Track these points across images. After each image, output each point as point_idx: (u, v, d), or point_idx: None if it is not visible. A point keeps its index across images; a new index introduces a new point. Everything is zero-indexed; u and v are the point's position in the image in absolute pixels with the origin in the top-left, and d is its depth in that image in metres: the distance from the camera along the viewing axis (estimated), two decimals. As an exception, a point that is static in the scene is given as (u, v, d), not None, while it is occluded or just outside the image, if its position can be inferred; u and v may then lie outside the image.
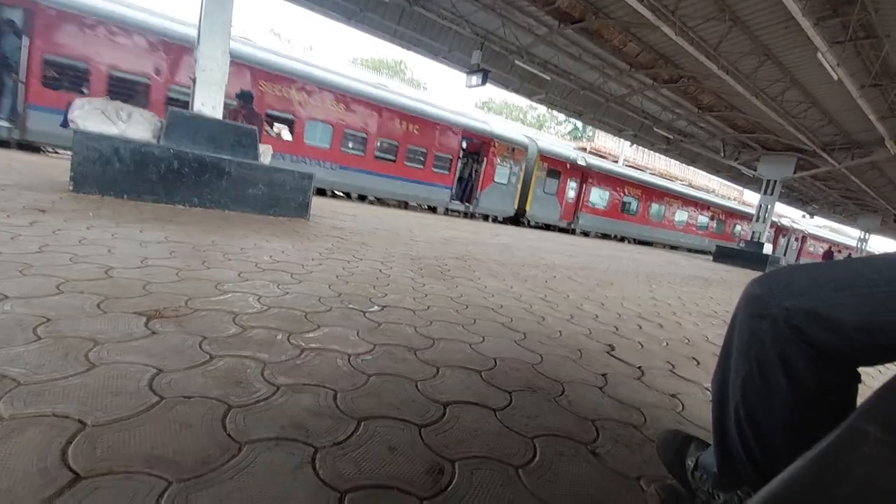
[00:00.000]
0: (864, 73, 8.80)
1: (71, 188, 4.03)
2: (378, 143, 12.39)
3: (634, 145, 22.34)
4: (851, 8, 6.85)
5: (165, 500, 0.76)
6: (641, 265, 8.24)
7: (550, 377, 1.69)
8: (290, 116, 11.02)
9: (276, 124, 11.12)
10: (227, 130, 5.03)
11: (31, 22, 8.04)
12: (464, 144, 14.38)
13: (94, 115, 4.25)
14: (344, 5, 10.25)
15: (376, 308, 2.17)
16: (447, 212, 14.70)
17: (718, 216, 24.61)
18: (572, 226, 17.58)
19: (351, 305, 2.13)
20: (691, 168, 23.06)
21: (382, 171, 12.63)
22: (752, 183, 22.09)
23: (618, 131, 17.05)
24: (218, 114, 5.14)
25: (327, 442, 1.01)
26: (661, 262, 10.31)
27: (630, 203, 19.64)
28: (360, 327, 1.84)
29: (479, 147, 14.74)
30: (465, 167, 15.26)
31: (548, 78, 13.04)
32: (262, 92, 10.27)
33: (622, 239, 19.88)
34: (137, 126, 4.49)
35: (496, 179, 14.85)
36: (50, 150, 9.30)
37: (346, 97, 11.68)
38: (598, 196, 18.25)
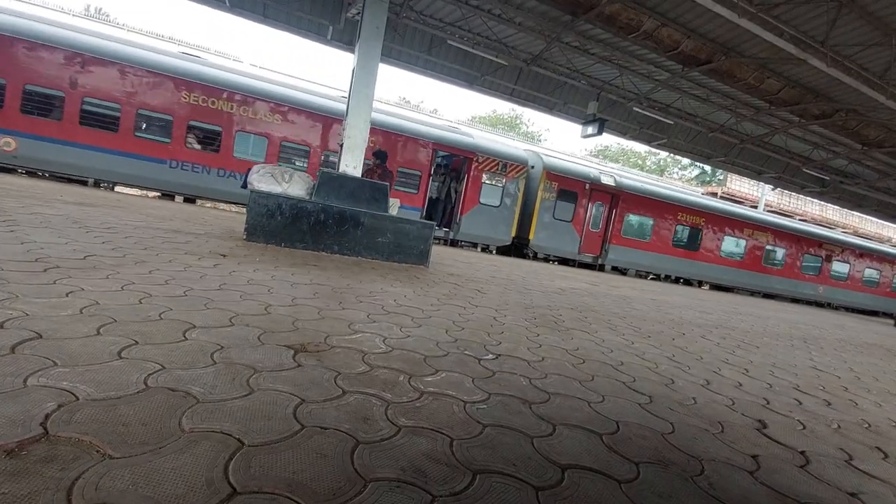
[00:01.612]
0: None
1: (244, 237, 4.90)
2: (322, 158, 10.71)
3: (778, 189, 19.11)
4: None
5: (302, 523, 0.84)
6: (794, 327, 6.93)
7: (685, 451, 1.49)
8: (215, 128, 9.88)
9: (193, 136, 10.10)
10: (363, 186, 5.69)
11: None
12: (438, 159, 12.27)
13: (265, 178, 5.19)
14: (466, 72, 11.15)
15: (490, 356, 2.16)
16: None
17: (839, 257, 17.94)
18: (600, 260, 14.07)
19: (466, 352, 2.16)
20: (855, 213, 18.86)
21: None
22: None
23: (756, 174, 14.99)
24: (358, 172, 5.88)
25: (444, 491, 1.01)
26: (821, 323, 8.53)
27: (689, 234, 15.18)
28: (475, 374, 1.85)
29: (460, 163, 12.45)
30: (443, 186, 12.89)
31: (670, 122, 12.23)
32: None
33: (677, 280, 15.56)
34: (296, 186, 5.34)
35: (483, 201, 12.28)
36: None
37: (281, 106, 10.28)
38: (638, 224, 14.33)
